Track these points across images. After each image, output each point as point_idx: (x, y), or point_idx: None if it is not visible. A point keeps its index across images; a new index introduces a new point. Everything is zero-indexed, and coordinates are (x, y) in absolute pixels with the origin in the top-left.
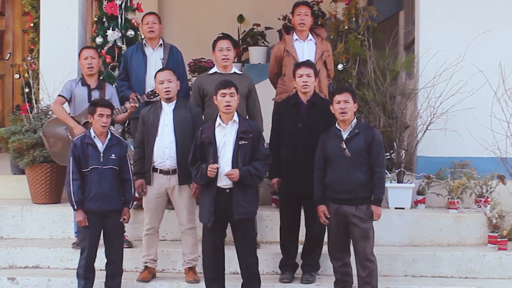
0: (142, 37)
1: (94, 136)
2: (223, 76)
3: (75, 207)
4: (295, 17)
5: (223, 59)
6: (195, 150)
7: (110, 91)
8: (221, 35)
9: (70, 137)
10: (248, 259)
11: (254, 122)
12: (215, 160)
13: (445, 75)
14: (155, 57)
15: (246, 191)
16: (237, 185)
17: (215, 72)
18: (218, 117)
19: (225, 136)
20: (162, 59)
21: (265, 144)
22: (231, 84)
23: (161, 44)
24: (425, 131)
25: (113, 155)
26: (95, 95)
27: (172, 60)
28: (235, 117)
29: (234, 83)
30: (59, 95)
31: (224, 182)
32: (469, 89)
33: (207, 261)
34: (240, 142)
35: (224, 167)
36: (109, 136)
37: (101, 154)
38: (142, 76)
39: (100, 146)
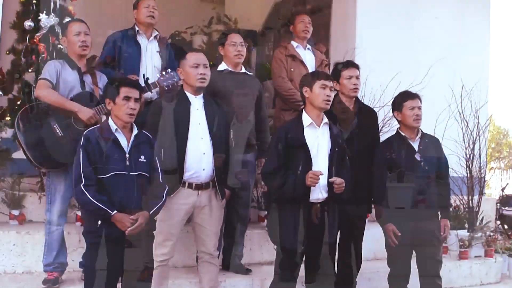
0: None
1: (116, 129)
2: (234, 75)
3: (112, 213)
4: (298, 25)
5: (236, 55)
6: (279, 155)
7: (104, 79)
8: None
9: (58, 131)
10: None
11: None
12: (309, 168)
13: None
14: (150, 49)
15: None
16: (331, 198)
17: (225, 70)
18: (306, 115)
19: (318, 138)
20: (159, 52)
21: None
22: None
23: (156, 35)
24: None
25: (143, 156)
26: (87, 80)
27: (169, 54)
28: (325, 119)
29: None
30: (42, 78)
31: (317, 196)
32: None
33: None
34: (336, 148)
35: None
36: (135, 131)
37: (127, 155)
38: (136, 69)
39: (125, 144)
